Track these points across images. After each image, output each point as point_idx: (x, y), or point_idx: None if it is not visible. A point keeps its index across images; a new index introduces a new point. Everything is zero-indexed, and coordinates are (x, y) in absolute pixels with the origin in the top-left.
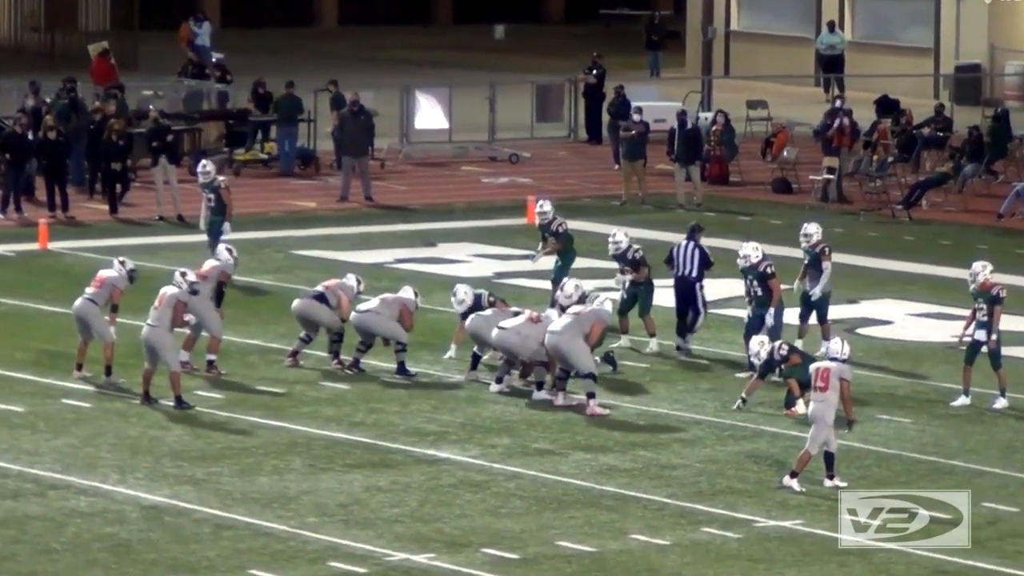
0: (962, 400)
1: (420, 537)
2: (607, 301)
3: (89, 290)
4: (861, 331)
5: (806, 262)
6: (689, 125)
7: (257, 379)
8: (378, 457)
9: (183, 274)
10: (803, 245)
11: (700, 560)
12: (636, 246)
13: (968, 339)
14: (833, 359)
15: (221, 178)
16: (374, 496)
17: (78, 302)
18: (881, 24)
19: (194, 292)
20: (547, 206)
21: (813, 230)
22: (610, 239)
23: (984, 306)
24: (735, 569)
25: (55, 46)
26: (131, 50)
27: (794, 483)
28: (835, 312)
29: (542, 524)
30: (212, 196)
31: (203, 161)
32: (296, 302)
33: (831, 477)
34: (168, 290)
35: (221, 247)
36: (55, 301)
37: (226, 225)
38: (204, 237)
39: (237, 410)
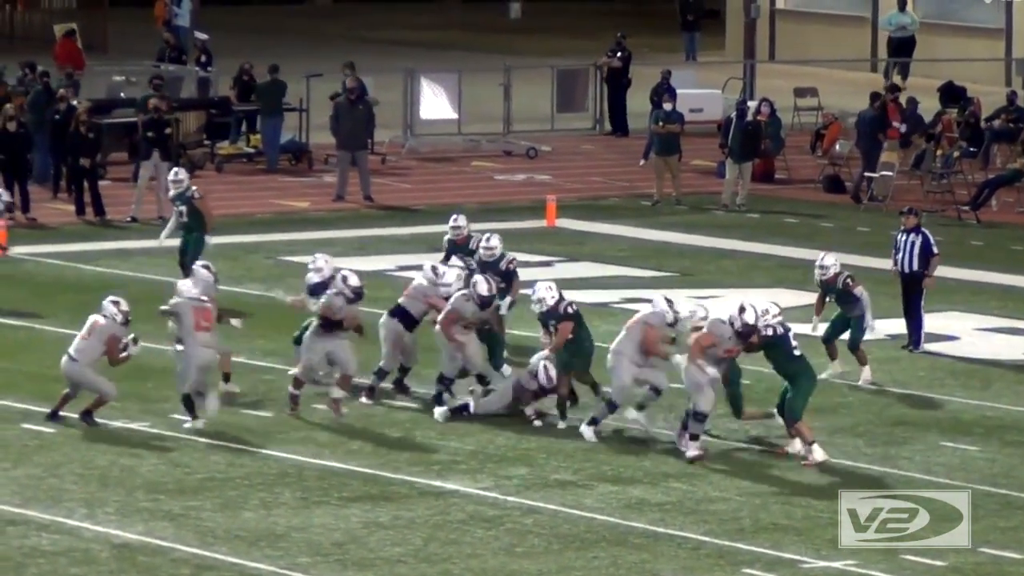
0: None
1: None
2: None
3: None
4: (923, 347)
5: (831, 299)
6: (749, 117)
7: (241, 402)
8: (378, 489)
9: (115, 303)
10: (819, 278)
11: None
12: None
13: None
14: None
15: (194, 187)
16: (374, 533)
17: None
18: (946, 2)
19: (126, 323)
20: (494, 240)
21: (831, 262)
22: (533, 296)
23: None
24: None
25: (15, 25)
26: (100, 30)
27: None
28: (892, 327)
29: (563, 565)
30: (184, 208)
31: (175, 169)
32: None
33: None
34: (98, 320)
35: (197, 265)
36: (14, 313)
37: (208, 239)
38: (172, 245)
39: (219, 437)
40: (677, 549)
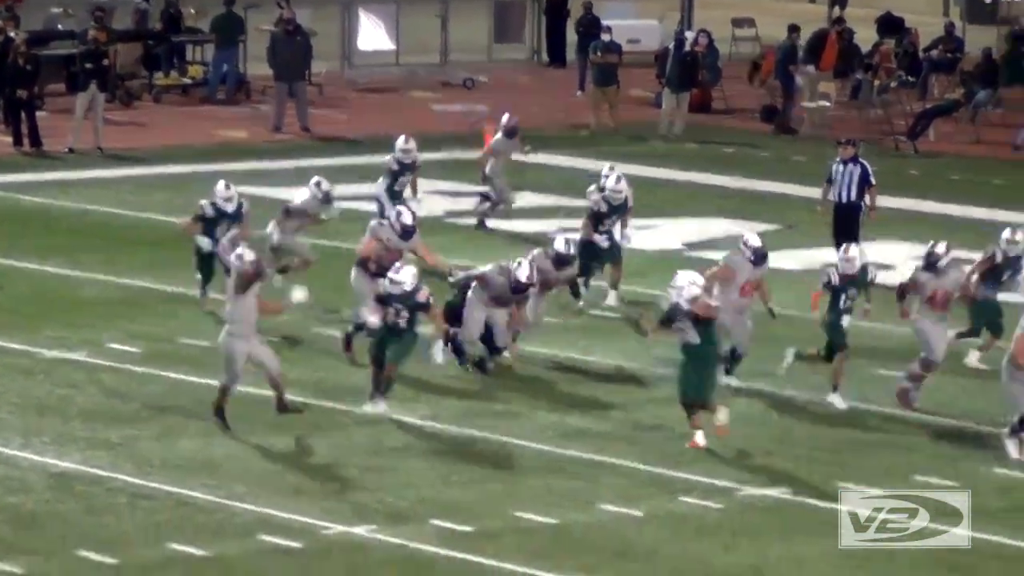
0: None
1: (361, 508)
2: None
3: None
4: None
5: (844, 295)
6: (687, 47)
7: (178, 330)
8: (314, 418)
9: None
10: (844, 270)
11: (678, 533)
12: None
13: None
14: None
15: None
16: (310, 462)
17: None
18: None
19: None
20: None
21: (855, 252)
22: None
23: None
24: (716, 543)
25: None
26: None
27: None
28: (828, 255)
29: (499, 493)
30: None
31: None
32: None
33: None
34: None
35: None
36: None
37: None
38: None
39: (156, 365)
40: (614, 477)
